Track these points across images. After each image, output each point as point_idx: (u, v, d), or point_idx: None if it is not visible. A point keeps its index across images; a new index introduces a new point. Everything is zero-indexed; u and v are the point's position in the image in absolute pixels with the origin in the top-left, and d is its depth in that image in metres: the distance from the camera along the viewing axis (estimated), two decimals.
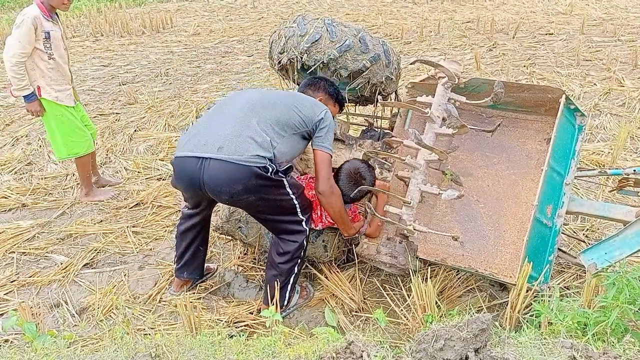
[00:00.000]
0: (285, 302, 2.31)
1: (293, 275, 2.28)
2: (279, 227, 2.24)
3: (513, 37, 7.19)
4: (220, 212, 2.59)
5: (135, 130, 4.78)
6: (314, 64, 2.56)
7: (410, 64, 2.31)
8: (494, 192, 2.42)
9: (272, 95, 2.25)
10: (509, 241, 2.29)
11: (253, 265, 2.75)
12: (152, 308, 2.51)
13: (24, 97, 3.11)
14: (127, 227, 3.20)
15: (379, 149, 2.60)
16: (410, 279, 2.16)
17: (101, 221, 3.30)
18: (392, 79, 2.69)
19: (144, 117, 5.11)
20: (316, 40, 2.51)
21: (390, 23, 8.73)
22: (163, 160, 4.12)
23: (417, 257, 2.22)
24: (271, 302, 2.19)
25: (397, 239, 2.18)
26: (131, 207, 3.46)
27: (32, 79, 3.12)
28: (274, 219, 2.21)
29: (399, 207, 2.20)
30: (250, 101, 2.20)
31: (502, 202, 2.39)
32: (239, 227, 2.50)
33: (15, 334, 2.32)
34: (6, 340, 2.30)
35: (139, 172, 3.95)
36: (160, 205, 3.45)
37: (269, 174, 2.04)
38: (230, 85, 5.98)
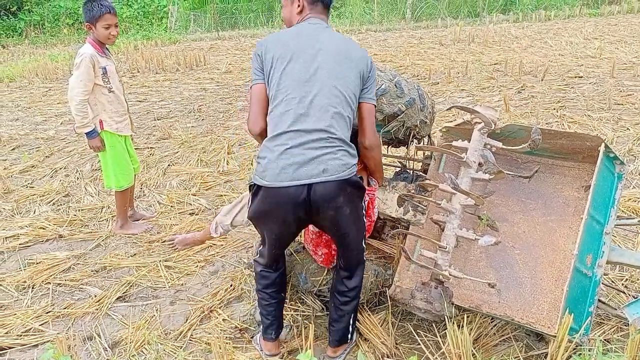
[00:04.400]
0: (349, 341, 2.28)
1: (355, 313, 2.27)
2: (357, 252, 2.18)
3: (542, 80, 7.21)
4: (254, 250, 2.61)
5: (168, 165, 4.90)
6: None
7: (447, 109, 2.35)
8: (530, 239, 2.39)
9: (340, 66, 2.01)
10: (546, 290, 2.24)
11: (285, 304, 2.74)
12: (183, 345, 2.51)
13: (86, 134, 3.27)
14: (160, 261, 3.24)
15: (413, 191, 2.62)
16: (444, 325, 2.12)
17: (135, 254, 3.36)
18: (426, 122, 2.73)
19: (177, 152, 5.24)
20: None
21: (418, 64, 8.86)
22: (195, 195, 4.20)
23: (452, 304, 2.18)
24: (340, 344, 2.22)
25: (433, 284, 2.16)
26: (164, 241, 3.52)
27: (95, 113, 3.29)
28: (357, 239, 2.13)
29: (433, 251, 2.19)
30: (326, 85, 1.96)
31: (538, 249, 2.35)
32: None
33: None
34: None
35: (172, 206, 4.03)
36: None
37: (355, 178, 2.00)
38: None
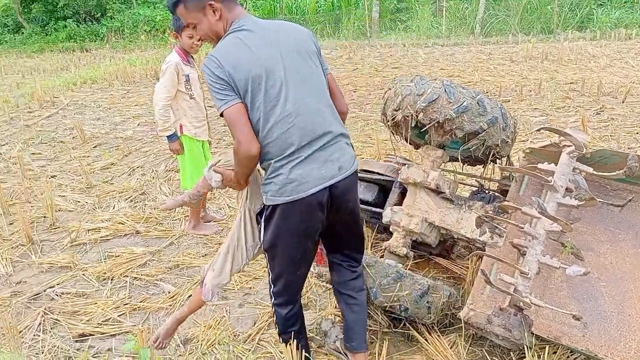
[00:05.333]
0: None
1: None
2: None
3: (623, 102, 6.83)
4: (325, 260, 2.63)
5: None
6: (429, 123, 2.59)
7: (536, 130, 2.27)
8: (618, 271, 2.26)
9: (305, 61, 1.97)
10: (635, 327, 2.11)
11: None
12: (252, 347, 2.56)
13: (167, 137, 3.44)
14: None
15: (491, 212, 2.55)
16: (520, 353, 2.04)
17: (205, 255, 3.47)
18: (507, 142, 2.66)
19: None
20: (433, 100, 2.55)
21: (487, 80, 8.64)
22: None
23: (531, 333, 2.10)
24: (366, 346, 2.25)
25: (512, 311, 2.09)
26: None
27: (176, 118, 3.46)
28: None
29: (512, 276, 2.12)
30: (306, 87, 1.93)
31: (627, 282, 2.22)
32: None
33: (126, 356, 2.46)
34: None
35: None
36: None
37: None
38: None
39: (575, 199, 2.09)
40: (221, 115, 1.85)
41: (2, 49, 16.20)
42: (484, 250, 2.51)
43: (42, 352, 2.55)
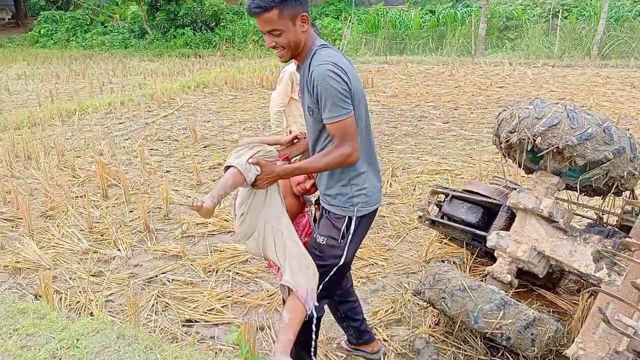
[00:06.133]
0: None
1: None
2: None
3: None
4: (423, 278, 2.62)
5: None
6: (547, 148, 2.49)
7: None
8: None
9: None
10: None
11: (445, 339, 2.69)
12: (344, 356, 2.61)
13: None
14: None
15: (610, 248, 2.39)
16: None
17: None
18: (634, 174, 2.48)
19: None
20: (554, 125, 2.45)
21: (603, 105, 8.06)
22: None
23: None
24: None
25: (630, 356, 1.94)
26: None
27: (288, 123, 3.65)
28: None
29: (632, 318, 1.97)
30: None
31: None
32: (442, 298, 2.48)
33: (227, 345, 2.62)
34: (220, 349, 2.60)
35: None
36: (355, 257, 3.61)
37: None
38: (426, 149, 6.10)
39: None
40: (333, 123, 1.86)
41: (128, 52, 17.94)
42: (599, 287, 2.35)
43: (154, 331, 2.78)
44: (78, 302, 3.05)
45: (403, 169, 5.43)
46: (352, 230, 2.04)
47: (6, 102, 9.43)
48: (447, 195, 3.37)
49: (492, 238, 2.73)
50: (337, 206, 2.02)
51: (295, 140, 2.22)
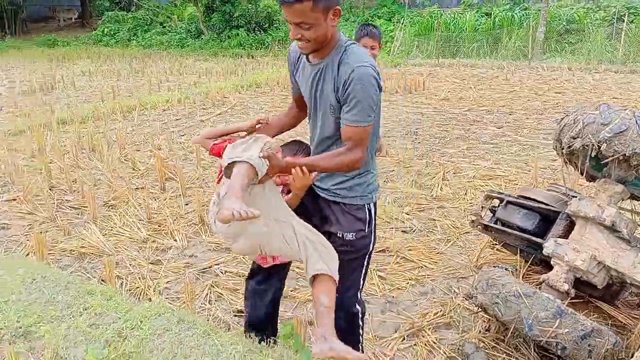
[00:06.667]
0: None
1: None
2: None
3: None
4: (475, 282, 2.59)
5: (384, 181, 5.15)
6: (612, 155, 2.41)
7: None
8: None
9: None
10: None
11: (495, 345, 2.65)
12: (392, 354, 2.62)
13: None
14: (373, 269, 3.43)
15: None
16: None
17: None
18: None
19: (392, 170, 5.48)
20: (621, 132, 2.37)
21: None
22: (408, 215, 4.33)
23: None
24: None
25: None
26: (377, 252, 3.71)
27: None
28: None
29: None
30: None
31: None
32: (495, 303, 2.45)
33: (281, 339, 2.68)
34: (271, 341, 2.67)
35: (386, 221, 4.22)
36: (404, 257, 3.62)
37: None
38: (478, 154, 5.99)
39: None
40: (355, 127, 1.86)
41: (184, 51, 18.55)
42: None
43: (208, 320, 2.89)
44: (137, 287, 3.21)
45: (454, 173, 5.36)
46: (374, 216, 2.11)
47: (72, 97, 9.99)
48: (501, 200, 3.31)
49: (550, 246, 2.67)
50: (355, 197, 2.06)
51: (257, 126, 2.18)
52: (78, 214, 4.39)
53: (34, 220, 4.20)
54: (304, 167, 1.87)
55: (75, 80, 11.80)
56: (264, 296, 2.35)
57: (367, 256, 2.15)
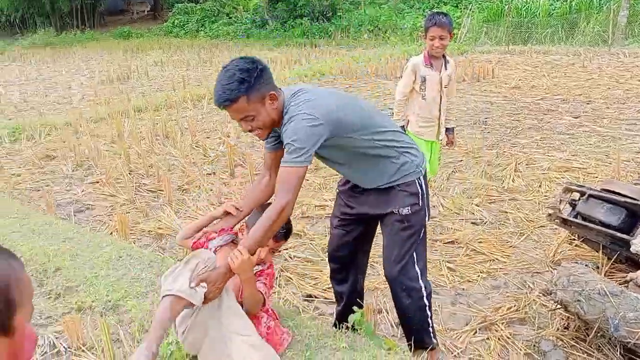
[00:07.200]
0: None
1: None
2: None
3: None
4: (555, 279, 2.48)
5: (452, 171, 5.03)
6: None
7: None
8: None
9: None
10: None
11: (575, 344, 2.54)
12: (463, 347, 2.57)
13: None
14: (442, 260, 3.38)
15: None
16: None
17: None
18: None
19: (461, 160, 5.33)
20: None
21: None
22: (478, 206, 4.21)
23: None
24: None
25: None
26: (445, 243, 3.65)
27: (407, 113, 3.68)
28: None
29: None
30: None
31: None
32: (578, 301, 2.34)
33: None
34: (347, 328, 2.69)
35: (455, 212, 4.13)
36: (474, 250, 3.52)
37: None
38: (553, 144, 5.70)
39: None
40: (283, 168, 1.89)
41: (249, 41, 18.92)
42: None
43: (279, 302, 2.96)
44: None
45: (527, 164, 5.14)
46: (425, 189, 2.17)
47: (146, 87, 10.48)
48: (582, 193, 3.14)
49: (638, 243, 2.51)
50: (403, 176, 2.11)
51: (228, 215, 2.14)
52: (155, 197, 4.63)
53: (115, 202, 4.48)
54: (240, 250, 1.80)
55: (148, 70, 12.37)
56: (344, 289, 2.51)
57: (422, 229, 2.21)
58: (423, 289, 2.22)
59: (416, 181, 2.14)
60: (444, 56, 3.55)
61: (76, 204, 4.45)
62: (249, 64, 1.84)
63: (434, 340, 2.34)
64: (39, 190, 4.77)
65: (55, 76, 12.52)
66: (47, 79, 12.20)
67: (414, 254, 2.19)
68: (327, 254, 2.52)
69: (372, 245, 2.56)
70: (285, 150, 1.86)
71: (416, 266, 2.21)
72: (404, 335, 2.43)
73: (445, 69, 3.56)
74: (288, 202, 1.82)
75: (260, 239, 1.85)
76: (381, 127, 2.10)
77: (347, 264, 2.43)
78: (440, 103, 3.64)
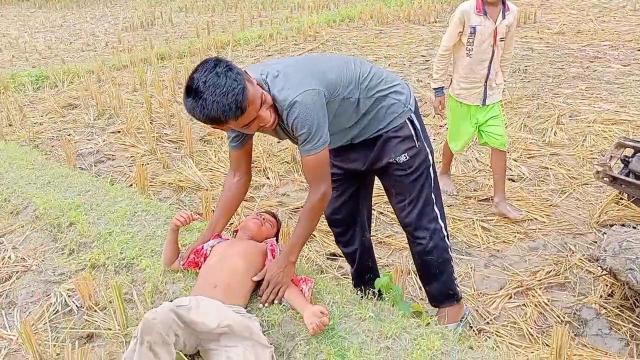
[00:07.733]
0: None
1: None
2: None
3: None
4: (604, 244, 2.25)
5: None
6: None
7: None
8: None
9: None
10: None
11: (620, 313, 2.34)
12: (497, 312, 2.41)
13: (434, 89, 3.22)
14: (476, 219, 3.17)
15: None
16: None
17: (450, 206, 3.35)
18: None
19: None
20: None
21: None
22: (516, 161, 3.93)
23: None
24: None
25: None
26: (480, 200, 3.42)
27: (451, 73, 3.20)
28: None
29: None
30: None
31: None
32: (630, 269, 2.11)
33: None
34: (373, 293, 2.55)
35: (490, 167, 3.86)
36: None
37: None
38: (600, 95, 5.27)
39: None
40: (308, 157, 1.81)
41: None
42: None
43: (301, 261, 2.83)
44: (231, 223, 3.21)
45: (570, 117, 4.77)
46: (418, 126, 2.01)
47: (169, 33, 10.21)
48: (637, 150, 2.83)
49: None
50: (392, 120, 1.95)
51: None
52: (176, 148, 4.50)
53: (136, 153, 4.37)
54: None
55: (172, 16, 12.04)
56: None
57: (429, 169, 2.05)
58: (443, 229, 2.12)
59: (407, 122, 1.98)
60: (503, 1, 2.94)
61: (97, 154, 4.37)
62: (238, 80, 1.59)
63: (458, 289, 2.23)
64: (60, 140, 4.70)
65: (79, 23, 12.34)
66: (71, 25, 12.04)
67: (431, 195, 2.06)
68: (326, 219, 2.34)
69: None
70: (299, 139, 1.76)
71: (435, 207, 2.08)
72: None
73: (504, 17, 2.94)
74: (327, 186, 1.81)
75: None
76: (362, 74, 1.90)
77: (349, 225, 2.28)
78: (492, 60, 3.01)
